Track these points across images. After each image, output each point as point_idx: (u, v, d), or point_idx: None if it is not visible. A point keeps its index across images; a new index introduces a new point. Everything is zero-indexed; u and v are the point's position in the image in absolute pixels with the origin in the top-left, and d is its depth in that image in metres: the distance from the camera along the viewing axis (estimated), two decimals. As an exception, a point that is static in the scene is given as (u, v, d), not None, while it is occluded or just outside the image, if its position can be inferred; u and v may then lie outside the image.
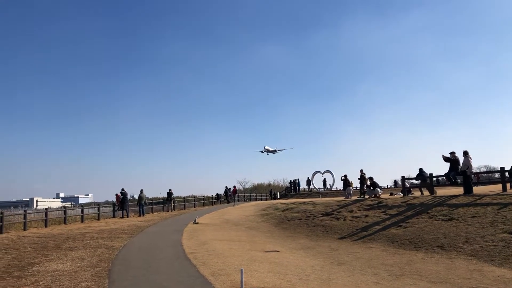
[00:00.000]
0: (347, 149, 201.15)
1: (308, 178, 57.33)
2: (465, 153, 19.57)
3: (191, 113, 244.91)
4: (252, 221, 25.16)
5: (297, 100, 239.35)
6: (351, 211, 21.69)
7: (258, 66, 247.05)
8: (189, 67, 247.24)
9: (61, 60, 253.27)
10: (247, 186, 79.76)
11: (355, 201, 24.02)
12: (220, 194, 47.53)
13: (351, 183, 31.92)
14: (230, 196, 46.82)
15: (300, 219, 23.07)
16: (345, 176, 30.88)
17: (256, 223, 24.30)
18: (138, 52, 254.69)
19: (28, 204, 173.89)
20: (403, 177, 24.75)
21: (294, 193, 57.74)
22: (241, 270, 8.51)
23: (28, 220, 22.45)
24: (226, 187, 47.88)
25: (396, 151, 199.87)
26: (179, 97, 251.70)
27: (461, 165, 19.90)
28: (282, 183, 76.74)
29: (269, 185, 76.34)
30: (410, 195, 23.44)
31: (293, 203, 29.94)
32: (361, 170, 29.10)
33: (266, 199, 54.57)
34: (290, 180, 61.84)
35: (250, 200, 53.24)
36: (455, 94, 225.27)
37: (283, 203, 31.39)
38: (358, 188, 30.79)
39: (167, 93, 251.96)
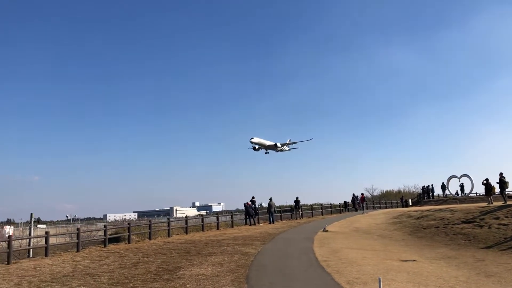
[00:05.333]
0: (484, 151, 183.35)
1: (442, 183, 53.39)
2: None
3: (314, 123, 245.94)
4: (384, 229, 24.26)
5: (425, 102, 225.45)
6: (497, 218, 19.72)
7: (381, 70, 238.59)
8: (309, 75, 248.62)
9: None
10: (375, 194, 77.14)
11: (501, 207, 21.78)
12: (348, 202, 46.68)
13: (494, 188, 29.08)
14: (358, 203, 45.71)
15: (437, 227, 21.63)
16: (487, 180, 28.27)
17: (388, 231, 23.38)
18: (264, 61, 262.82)
19: (169, 212, 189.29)
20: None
21: (427, 199, 54.27)
22: (379, 279, 8.26)
23: (171, 227, 24.50)
24: (353, 194, 46.83)
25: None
26: (304, 107, 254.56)
27: None
28: (413, 190, 72.67)
29: (399, 192, 72.79)
30: None
31: (428, 210, 28.20)
32: (501, 174, 26.51)
33: (396, 207, 52.17)
34: (423, 186, 58.25)
35: (380, 207, 51.37)
36: None
37: (416, 211, 29.75)
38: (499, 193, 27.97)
39: (290, 102, 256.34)
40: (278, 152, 62.18)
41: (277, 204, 38.55)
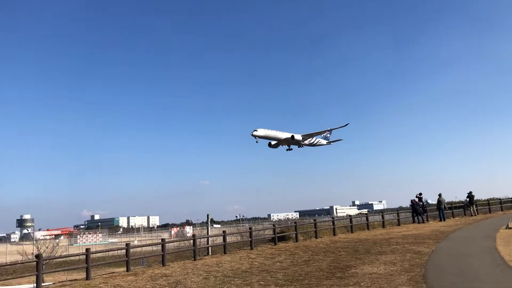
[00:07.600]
0: None
1: None
2: None
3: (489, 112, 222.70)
4: None
5: None
6: None
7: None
8: (457, 62, 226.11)
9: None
10: None
11: None
12: (534, 195, 41.05)
13: None
14: (546, 196, 39.85)
15: None
16: None
17: None
18: (420, 52, 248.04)
19: (329, 212, 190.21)
20: None
21: None
22: None
23: (335, 226, 24.55)
24: (539, 186, 41.00)
25: None
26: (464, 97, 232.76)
27: None
28: None
29: None
30: None
31: None
32: None
33: None
34: None
35: None
36: None
37: None
38: None
39: (450, 92, 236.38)
40: (302, 147, 47.77)
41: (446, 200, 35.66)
